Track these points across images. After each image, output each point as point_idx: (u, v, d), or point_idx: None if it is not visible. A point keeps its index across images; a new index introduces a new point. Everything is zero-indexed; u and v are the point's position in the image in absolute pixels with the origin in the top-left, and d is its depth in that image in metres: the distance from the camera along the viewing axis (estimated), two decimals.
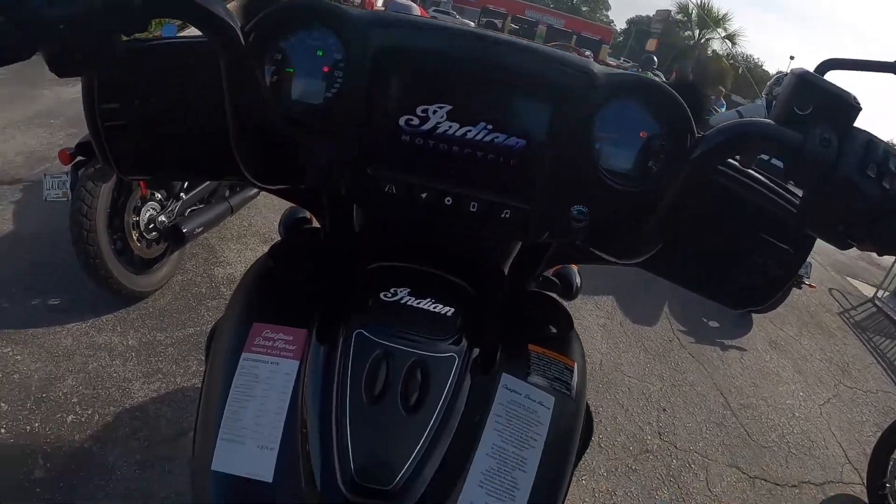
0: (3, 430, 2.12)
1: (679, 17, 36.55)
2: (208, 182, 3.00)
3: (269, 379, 0.62)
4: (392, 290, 0.68)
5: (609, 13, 68.00)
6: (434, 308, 0.67)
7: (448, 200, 0.61)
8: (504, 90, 0.59)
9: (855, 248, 0.56)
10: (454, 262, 0.76)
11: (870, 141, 0.51)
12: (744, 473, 2.51)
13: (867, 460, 2.64)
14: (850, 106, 0.51)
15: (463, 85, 0.59)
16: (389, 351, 0.61)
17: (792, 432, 2.92)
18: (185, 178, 0.90)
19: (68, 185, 2.58)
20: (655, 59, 9.17)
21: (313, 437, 0.57)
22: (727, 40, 33.13)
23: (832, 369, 4.12)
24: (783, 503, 2.54)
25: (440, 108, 0.58)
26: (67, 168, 2.56)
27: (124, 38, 0.50)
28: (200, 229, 2.85)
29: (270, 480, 0.56)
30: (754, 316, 3.71)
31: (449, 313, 0.67)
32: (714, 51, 34.42)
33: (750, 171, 0.68)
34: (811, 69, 0.63)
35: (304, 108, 0.60)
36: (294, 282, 0.74)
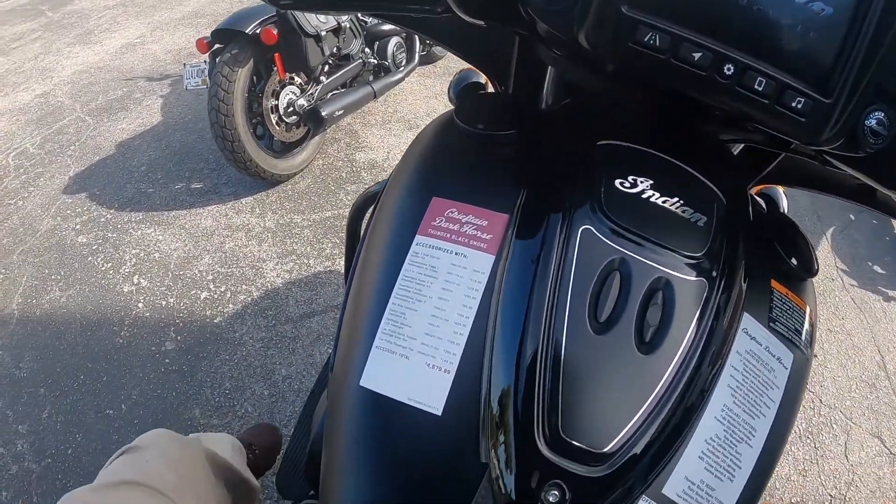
0: (140, 305, 2.08)
1: None
2: (350, 66, 2.83)
3: (452, 275, 0.49)
4: (630, 179, 0.51)
5: None
6: (683, 212, 0.50)
7: (728, 69, 0.44)
8: None
9: None
10: (691, 151, 0.57)
11: None
12: (885, 447, 2.03)
13: None
14: None
15: None
16: (627, 261, 0.47)
17: None
18: (349, 9, 0.61)
19: (206, 73, 2.54)
20: None
21: (507, 365, 0.43)
22: None
23: None
24: None
25: None
26: (205, 56, 2.50)
27: None
28: (340, 112, 2.66)
29: (440, 413, 0.44)
30: None
31: (700, 222, 0.50)
32: None
33: None
34: None
35: None
36: (493, 147, 0.59)
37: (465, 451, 0.43)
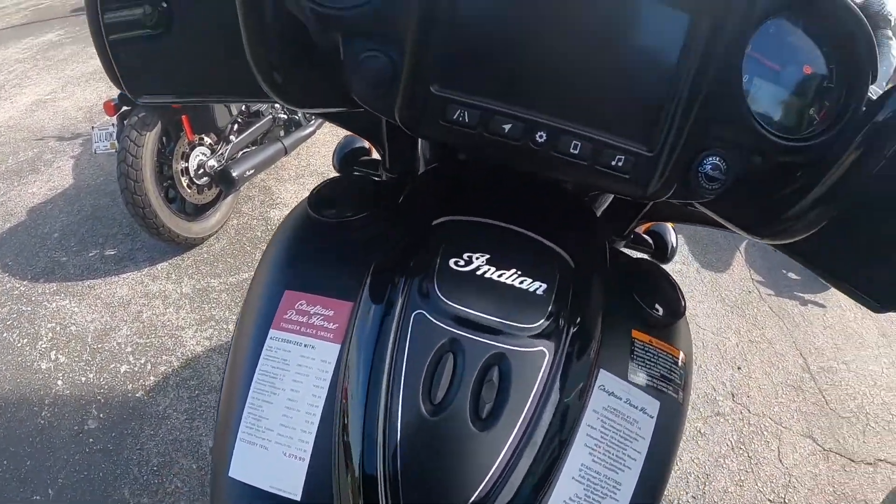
0: (60, 382, 2.11)
1: None
2: (260, 122, 2.89)
3: (302, 367, 0.51)
4: (465, 256, 0.53)
5: None
6: (520, 283, 0.52)
7: (541, 136, 0.45)
8: None
9: None
10: (542, 214, 0.60)
11: None
12: (818, 445, 2.20)
13: None
14: None
15: None
16: (458, 341, 0.48)
17: (872, 403, 2.53)
18: (205, 100, 0.70)
19: (115, 136, 2.52)
20: None
21: (354, 450, 0.46)
22: None
23: None
24: (856, 481, 2.17)
25: None
26: (114, 119, 2.50)
27: None
28: (252, 171, 2.71)
29: (298, 498, 0.47)
30: None
31: (540, 290, 0.52)
32: None
33: None
34: None
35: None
36: (343, 233, 0.61)
37: None
